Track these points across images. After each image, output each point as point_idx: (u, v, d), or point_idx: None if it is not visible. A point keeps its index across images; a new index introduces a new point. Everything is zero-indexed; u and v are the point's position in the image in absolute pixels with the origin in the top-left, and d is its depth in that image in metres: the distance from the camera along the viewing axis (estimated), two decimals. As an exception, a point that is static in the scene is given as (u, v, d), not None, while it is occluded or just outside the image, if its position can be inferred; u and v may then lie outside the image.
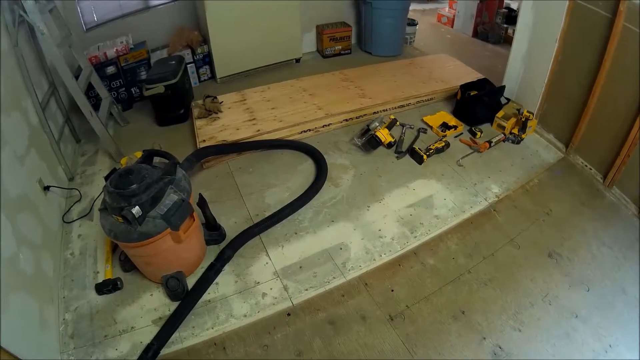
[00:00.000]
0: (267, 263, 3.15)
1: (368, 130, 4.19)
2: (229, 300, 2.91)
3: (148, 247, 2.59)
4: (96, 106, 4.30)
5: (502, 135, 4.42)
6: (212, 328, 2.75)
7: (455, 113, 4.80)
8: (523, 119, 4.36)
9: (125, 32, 4.93)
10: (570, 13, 3.80)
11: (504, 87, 4.71)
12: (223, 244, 3.21)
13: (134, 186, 2.44)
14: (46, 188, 3.24)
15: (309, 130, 4.34)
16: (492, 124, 4.64)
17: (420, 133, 4.47)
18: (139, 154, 2.83)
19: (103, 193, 2.56)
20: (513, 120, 4.44)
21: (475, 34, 7.35)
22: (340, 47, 6.17)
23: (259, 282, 3.02)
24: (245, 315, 2.82)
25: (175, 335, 2.68)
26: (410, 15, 6.62)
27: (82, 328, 2.73)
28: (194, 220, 2.81)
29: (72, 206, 3.59)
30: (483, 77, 4.98)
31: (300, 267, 3.13)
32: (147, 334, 2.67)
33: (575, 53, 3.91)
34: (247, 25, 5.09)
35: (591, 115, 3.88)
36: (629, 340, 2.81)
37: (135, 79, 4.87)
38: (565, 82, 4.13)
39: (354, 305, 2.91)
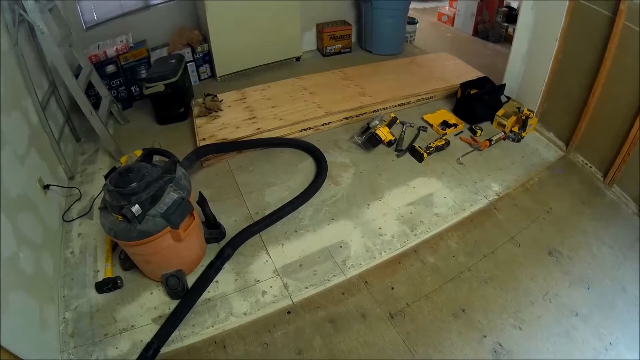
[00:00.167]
0: (267, 261, 3.15)
1: (368, 128, 4.17)
2: (229, 298, 2.91)
3: (148, 246, 2.58)
4: (96, 105, 4.29)
5: (503, 133, 4.42)
6: (212, 326, 2.75)
7: (456, 111, 4.80)
8: (523, 117, 4.35)
9: (125, 31, 4.92)
10: (571, 12, 3.80)
11: (504, 85, 4.70)
12: (223, 242, 3.20)
13: (134, 185, 2.44)
14: (46, 187, 3.24)
15: (309, 128, 4.34)
16: (492, 122, 4.63)
17: (421, 131, 4.46)
18: (138, 153, 2.84)
19: (103, 192, 2.56)
20: (513, 118, 4.43)
21: (476, 32, 7.35)
22: (340, 45, 6.17)
23: (259, 280, 3.02)
24: (245, 314, 2.82)
25: (175, 333, 2.68)
26: (411, 13, 6.63)
27: (82, 327, 2.73)
28: (194, 218, 2.80)
29: (72, 205, 3.59)
30: (483, 75, 4.97)
31: (301, 265, 3.13)
32: (148, 333, 2.66)
33: (576, 52, 3.90)
34: (247, 23, 5.08)
35: (591, 113, 3.87)
36: (629, 338, 2.80)
37: (135, 77, 4.87)
38: (565, 80, 4.13)
39: (354, 303, 2.91)
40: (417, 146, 4.14)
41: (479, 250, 3.30)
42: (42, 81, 3.87)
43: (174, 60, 4.71)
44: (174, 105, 4.58)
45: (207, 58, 5.34)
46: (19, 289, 2.37)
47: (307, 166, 4.00)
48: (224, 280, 3.01)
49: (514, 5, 6.96)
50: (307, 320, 2.81)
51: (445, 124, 4.53)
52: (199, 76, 5.41)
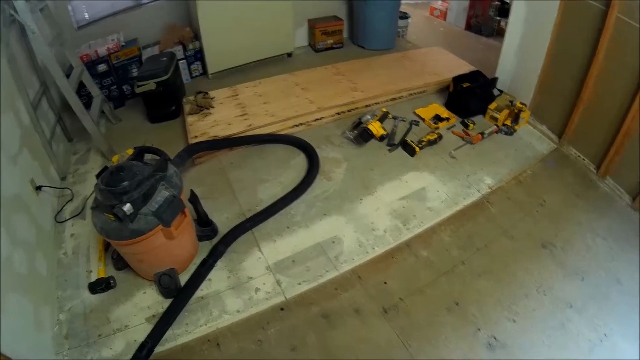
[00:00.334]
0: (259, 258, 3.14)
1: (360, 123, 4.18)
2: (222, 296, 2.90)
3: (140, 245, 2.57)
4: (88, 104, 4.27)
5: (495, 127, 4.42)
6: (206, 324, 2.74)
7: (448, 105, 4.79)
8: (516, 111, 4.36)
9: (116, 30, 4.90)
10: (564, 5, 3.79)
11: (496, 78, 4.70)
12: (215, 240, 3.19)
13: (125, 183, 2.43)
14: (38, 188, 3.22)
15: (301, 124, 4.33)
16: (484, 116, 4.63)
17: (413, 125, 4.45)
18: (130, 152, 2.82)
19: (95, 191, 2.54)
20: (506, 112, 4.44)
21: (469, 27, 7.33)
22: (332, 41, 6.15)
23: (251, 277, 3.01)
24: (238, 311, 2.81)
25: (169, 332, 2.67)
26: (403, 8, 6.61)
27: (76, 328, 2.71)
28: (186, 216, 2.80)
29: (64, 205, 3.57)
30: (476, 69, 4.97)
31: (293, 261, 3.12)
32: (141, 332, 2.65)
33: (569, 45, 3.90)
34: (238, 20, 5.05)
35: (584, 106, 3.87)
36: (625, 329, 2.81)
37: (126, 76, 4.85)
38: (558, 74, 4.12)
39: (348, 298, 2.90)
40: (409, 140, 4.12)
41: (473, 244, 3.30)
42: (33, 81, 3.84)
43: (165, 58, 4.69)
44: (166, 104, 4.56)
45: (199, 55, 5.32)
46: (14, 291, 2.36)
47: (299, 162, 3.98)
48: (217, 278, 3.00)
49: (507, -1, 6.96)
50: (300, 317, 2.80)
51: (438, 118, 4.53)
52: (190, 74, 5.39)
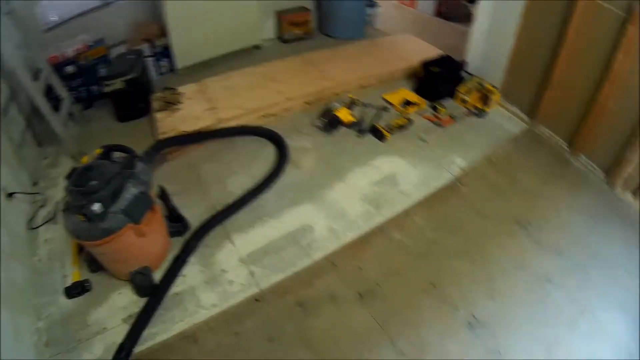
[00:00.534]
0: (232, 250, 3.11)
1: (329, 111, 4.16)
2: (197, 291, 2.87)
3: (112, 244, 2.53)
4: (57, 107, 4.18)
5: (466, 109, 4.43)
6: (182, 321, 2.71)
7: (417, 90, 4.77)
8: (486, 93, 4.36)
9: (84, 31, 4.80)
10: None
11: (465, 62, 4.72)
12: (188, 235, 3.15)
13: (94, 182, 2.41)
14: (10, 195, 3.14)
15: (270, 115, 4.28)
16: (454, 99, 4.63)
17: (382, 111, 4.42)
18: (99, 152, 2.78)
19: (65, 193, 2.51)
20: (476, 94, 4.44)
21: (439, 13, 7.29)
22: (300, 31, 6.07)
23: (225, 270, 2.98)
24: (213, 305, 2.78)
25: (147, 331, 2.63)
26: (372, -4, 6.53)
27: (55, 335, 2.66)
28: (156, 212, 2.78)
29: (37, 211, 3.48)
30: (445, 54, 4.93)
31: (266, 251, 3.09)
32: (120, 334, 2.59)
33: (538, 27, 3.90)
34: (205, 13, 4.96)
35: (555, 86, 3.89)
36: (605, 301, 2.83)
37: (95, 76, 4.77)
38: (528, 55, 4.13)
39: (323, 285, 2.89)
40: (378, 126, 4.10)
41: (447, 225, 3.30)
42: (2, 86, 3.74)
43: (132, 57, 4.63)
44: (134, 102, 4.49)
45: (167, 52, 5.23)
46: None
47: (269, 153, 3.94)
48: (191, 273, 2.96)
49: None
50: (276, 307, 2.78)
51: (407, 103, 4.50)
52: (158, 71, 5.30)
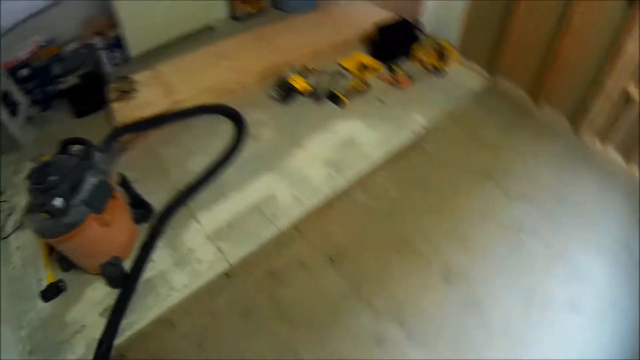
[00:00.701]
0: (198, 229, 3.04)
1: (284, 81, 4.07)
2: (167, 274, 2.81)
3: (77, 238, 2.47)
4: (14, 112, 4.06)
5: (424, 69, 4.37)
6: (157, 306, 2.66)
7: (373, 53, 4.67)
8: (443, 52, 4.29)
9: (36, 31, 4.64)
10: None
11: (420, 22, 4.64)
12: (153, 220, 3.09)
13: (53, 178, 2.36)
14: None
15: (226, 92, 4.17)
16: (411, 60, 4.55)
17: (338, 77, 4.31)
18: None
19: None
20: (433, 53, 4.37)
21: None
22: (253, 8, 5.90)
23: (193, 250, 2.92)
24: (185, 286, 2.73)
25: (124, 321, 2.58)
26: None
27: (38, 341, 2.59)
28: (117, 200, 2.73)
29: (6, 220, 3.39)
30: (401, 17, 4.82)
31: (232, 226, 3.03)
32: (98, 329, 2.55)
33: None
34: (155, -2, 4.83)
35: (513, 39, 3.84)
36: (579, 244, 2.84)
37: (49, 76, 4.62)
38: (484, 10, 4.05)
39: (292, 254, 2.86)
40: (336, 92, 4.02)
41: (412, 183, 3.27)
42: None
43: (84, 51, 4.55)
44: (91, 96, 4.38)
45: (119, 42, 5.07)
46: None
47: (227, 129, 3.85)
48: (160, 258, 2.90)
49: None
50: (247, 280, 2.74)
51: (364, 67, 4.42)
52: (112, 62, 5.14)
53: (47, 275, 2.92)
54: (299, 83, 3.99)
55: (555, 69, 3.61)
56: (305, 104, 4.06)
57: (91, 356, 2.44)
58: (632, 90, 3.28)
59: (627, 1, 3.06)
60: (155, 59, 4.92)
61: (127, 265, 2.84)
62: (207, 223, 3.08)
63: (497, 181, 3.27)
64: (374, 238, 2.94)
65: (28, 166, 3.86)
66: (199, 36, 5.42)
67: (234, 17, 5.86)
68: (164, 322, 2.61)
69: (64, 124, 4.38)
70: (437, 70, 4.39)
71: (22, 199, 3.53)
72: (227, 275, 2.78)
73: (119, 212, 2.76)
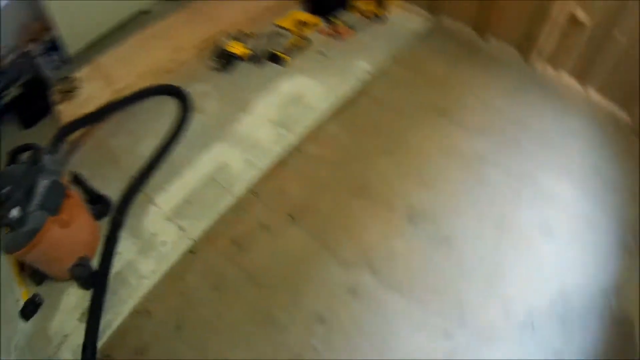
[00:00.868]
0: (157, 212, 2.87)
1: (222, 50, 3.83)
2: (135, 263, 2.65)
3: (41, 245, 2.33)
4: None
5: (364, 18, 4.14)
6: (131, 298, 2.52)
7: (311, 10, 4.41)
8: (380, -3, 4.03)
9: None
10: None
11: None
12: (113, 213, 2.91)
13: (5, 190, 2.27)
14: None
15: (167, 72, 3.95)
16: (350, 10, 4.30)
17: (277, 37, 4.09)
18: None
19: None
20: (371, 1, 4.16)
21: None
22: (185, -16, 5.63)
23: (155, 234, 2.75)
24: (153, 272, 2.58)
25: (103, 321, 2.44)
26: None
27: (27, 361, 2.41)
28: (72, 198, 2.56)
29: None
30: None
31: (189, 202, 2.87)
32: (80, 334, 2.40)
33: None
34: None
35: None
36: (544, 169, 2.74)
37: (-9, 91, 4.39)
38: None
39: (252, 218, 2.70)
40: (276, 52, 3.80)
41: (363, 129, 3.10)
42: None
43: (22, 60, 4.25)
44: (35, 104, 4.14)
45: (55, 44, 4.82)
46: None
47: (172, 108, 3.61)
48: (125, 248, 2.73)
49: None
50: (212, 253, 2.59)
51: (302, 24, 4.18)
52: (52, 65, 4.88)
53: (22, 294, 2.75)
54: (237, 49, 3.76)
55: (498, 0, 3.43)
56: (247, 69, 3.82)
57: (79, 363, 2.26)
58: (580, 14, 3.12)
59: None
60: (94, 52, 4.68)
61: (96, 262, 2.67)
62: (164, 204, 2.90)
63: (451, 117, 3.11)
64: (331, 188, 2.78)
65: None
66: (135, 22, 5.16)
67: (168, -4, 5.56)
68: (140, 312, 2.45)
69: (14, 136, 4.14)
70: (377, 17, 4.15)
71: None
72: (191, 252, 2.60)
73: (77, 210, 2.60)
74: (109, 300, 2.51)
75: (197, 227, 2.72)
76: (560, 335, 2.30)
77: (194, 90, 3.67)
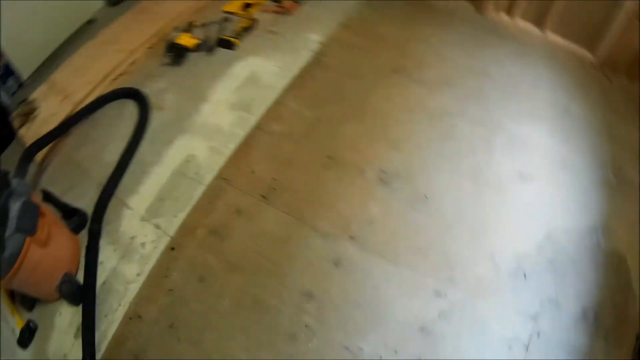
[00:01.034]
0: (132, 214, 2.71)
1: (171, 44, 3.64)
2: (119, 270, 2.50)
3: (24, 268, 2.19)
4: None
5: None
6: (120, 305, 2.38)
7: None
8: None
9: None
10: None
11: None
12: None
13: None
14: None
15: (120, 76, 3.75)
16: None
17: (225, 23, 3.89)
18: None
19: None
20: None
21: None
22: (127, -13, 5.37)
23: (134, 237, 2.60)
24: (138, 274, 2.44)
25: (98, 333, 2.31)
26: None
27: (32, 392, 2.22)
28: (46, 215, 2.42)
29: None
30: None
31: (161, 199, 2.71)
32: (79, 352, 2.27)
33: None
34: (29, 13, 4.30)
35: None
36: (513, 116, 2.64)
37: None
38: None
39: (225, 205, 2.54)
40: (224, 37, 3.61)
41: (322, 99, 2.95)
42: None
43: (-26, 93, 3.98)
44: (-3, 134, 3.97)
45: (9, 70, 4.60)
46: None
47: (131, 110, 3.42)
48: (106, 257, 2.57)
49: None
50: (191, 246, 2.44)
51: (247, 5, 3.99)
52: (9, 92, 4.66)
53: (17, 323, 2.61)
54: (185, 40, 3.56)
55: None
56: (199, 59, 3.62)
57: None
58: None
59: None
60: (47, 70, 4.49)
61: (80, 276, 2.54)
62: (138, 205, 2.75)
63: (410, 75, 2.97)
64: (300, 163, 2.62)
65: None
66: (83, 33, 4.96)
67: (112, 3, 5.34)
68: (132, 318, 2.31)
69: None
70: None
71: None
72: (172, 249, 2.46)
73: (53, 227, 2.44)
74: (100, 311, 2.37)
75: (174, 223, 2.58)
76: (553, 281, 2.21)
77: (150, 88, 3.48)
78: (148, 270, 2.42)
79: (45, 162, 3.39)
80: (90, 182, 3.02)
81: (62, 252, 2.54)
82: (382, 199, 2.44)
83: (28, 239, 2.20)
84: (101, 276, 2.50)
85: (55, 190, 2.81)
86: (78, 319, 2.39)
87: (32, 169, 3.13)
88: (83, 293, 2.44)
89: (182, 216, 2.58)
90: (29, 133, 3.54)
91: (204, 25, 3.90)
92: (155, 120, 3.21)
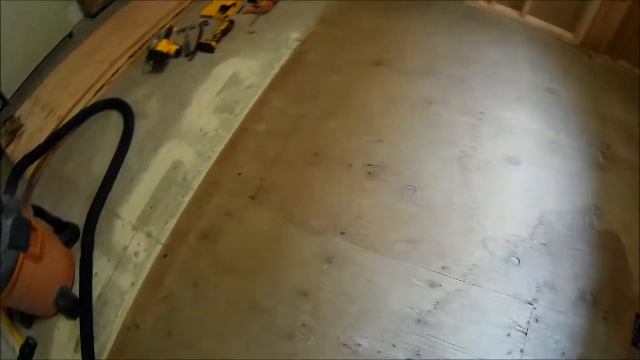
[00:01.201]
0: (123, 224, 2.66)
1: (151, 51, 3.56)
2: (114, 280, 2.45)
3: (19, 285, 2.14)
4: None
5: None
6: (117, 316, 2.33)
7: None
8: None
9: None
10: None
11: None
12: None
13: None
14: None
15: (102, 86, 3.67)
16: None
17: (203, 26, 3.82)
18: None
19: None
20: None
21: None
22: (104, -2, 5.24)
23: (126, 246, 2.55)
24: (132, 284, 2.39)
25: (97, 345, 2.26)
26: None
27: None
28: (37, 230, 2.35)
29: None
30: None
31: (151, 206, 2.65)
32: None
33: None
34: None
35: None
36: (497, 101, 2.59)
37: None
38: None
39: (214, 208, 2.49)
40: (203, 41, 3.54)
41: (305, 95, 2.88)
42: None
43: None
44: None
45: (-9, 91, 4.48)
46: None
47: (116, 119, 3.35)
48: (100, 268, 2.52)
49: None
50: (184, 252, 2.38)
51: (224, 8, 3.91)
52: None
53: (16, 341, 2.56)
54: (164, 46, 3.49)
55: None
56: (180, 64, 3.54)
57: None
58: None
59: None
60: (30, 87, 4.40)
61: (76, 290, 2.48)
62: (128, 215, 2.69)
63: (390, 65, 2.89)
64: (286, 161, 2.56)
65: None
66: (63, 47, 4.85)
67: (89, 14, 5.21)
68: (130, 327, 2.26)
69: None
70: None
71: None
72: (165, 255, 2.40)
73: (46, 241, 2.39)
74: (98, 323, 2.32)
75: (165, 230, 2.52)
76: (549, 265, 2.15)
77: (134, 97, 3.41)
78: (142, 279, 2.37)
79: (35, 177, 3.32)
80: (80, 195, 2.95)
81: (57, 266, 2.49)
82: (371, 192, 2.37)
83: (22, 255, 2.15)
84: (97, 288, 2.45)
85: (46, 205, 2.76)
86: (77, 332, 2.33)
87: (21, 185, 3.04)
88: (80, 306, 2.39)
89: (172, 222, 2.52)
90: (17, 150, 3.47)
91: (183, 30, 3.82)
92: (141, 128, 3.14)
